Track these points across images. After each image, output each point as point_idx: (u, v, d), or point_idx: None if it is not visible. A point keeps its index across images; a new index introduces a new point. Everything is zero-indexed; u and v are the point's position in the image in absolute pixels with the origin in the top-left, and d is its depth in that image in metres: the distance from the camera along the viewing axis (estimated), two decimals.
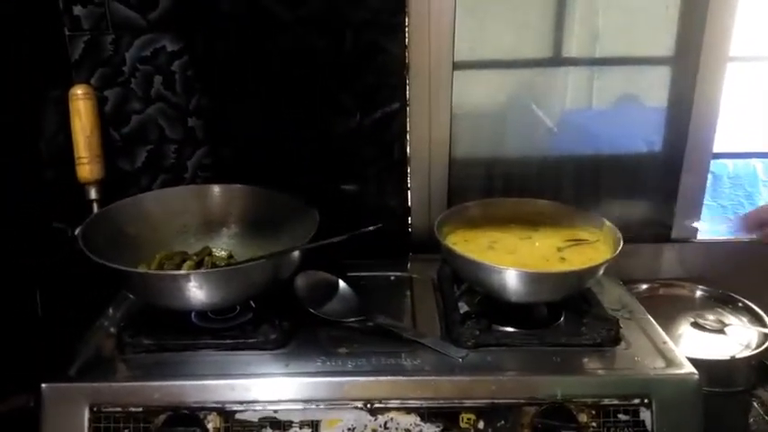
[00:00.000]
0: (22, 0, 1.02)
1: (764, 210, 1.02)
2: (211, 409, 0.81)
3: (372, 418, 0.81)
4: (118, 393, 0.82)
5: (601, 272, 0.92)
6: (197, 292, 0.85)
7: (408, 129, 1.18)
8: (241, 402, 0.81)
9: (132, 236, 1.01)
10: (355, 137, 1.17)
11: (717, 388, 0.99)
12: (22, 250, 0.99)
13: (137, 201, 1.06)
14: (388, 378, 0.83)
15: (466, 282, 0.99)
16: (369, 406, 0.81)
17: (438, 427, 0.81)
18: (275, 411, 0.81)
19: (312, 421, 0.81)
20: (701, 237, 1.28)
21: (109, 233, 0.97)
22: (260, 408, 0.81)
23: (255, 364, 0.86)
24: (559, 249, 1.00)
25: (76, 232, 0.92)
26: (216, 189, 1.09)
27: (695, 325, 1.08)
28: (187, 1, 1.09)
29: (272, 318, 0.91)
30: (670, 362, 0.86)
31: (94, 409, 0.81)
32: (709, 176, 1.29)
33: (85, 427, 0.81)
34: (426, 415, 0.81)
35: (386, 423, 0.81)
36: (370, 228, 0.91)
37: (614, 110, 1.26)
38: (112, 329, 0.94)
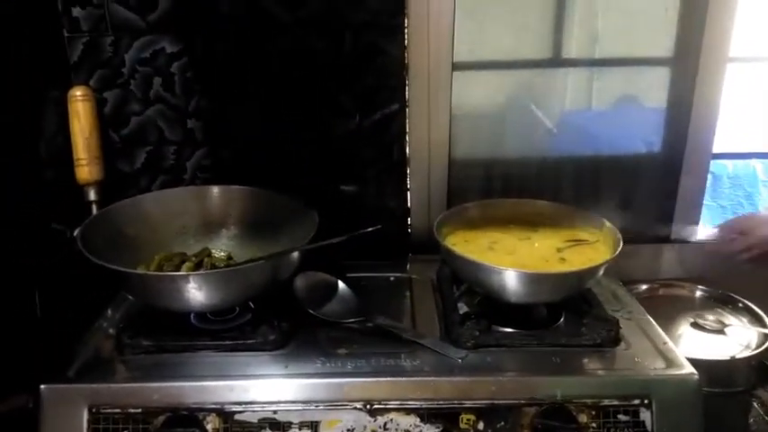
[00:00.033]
0: (21, 1, 1.03)
1: (744, 220, 1.02)
2: (210, 410, 0.81)
3: (372, 419, 0.81)
4: (117, 394, 0.82)
5: (601, 272, 0.92)
6: (196, 293, 0.85)
7: (408, 130, 1.18)
8: (240, 403, 0.81)
9: (131, 237, 1.01)
10: (355, 138, 1.17)
11: (717, 388, 0.98)
12: (22, 251, 0.99)
13: (136, 202, 1.06)
14: (388, 379, 0.83)
15: (465, 282, 0.99)
16: (368, 407, 0.81)
17: (438, 427, 0.81)
18: (274, 412, 0.81)
19: (311, 422, 0.81)
20: (700, 237, 1.28)
21: (108, 234, 0.97)
22: (259, 409, 0.81)
23: (255, 365, 0.86)
24: (559, 250, 1.00)
25: (75, 233, 0.92)
26: (215, 190, 1.09)
27: (695, 325, 1.08)
28: (186, 2, 1.09)
29: (271, 319, 0.91)
30: (670, 362, 0.86)
31: (93, 410, 0.81)
32: (709, 177, 1.29)
33: (84, 428, 0.81)
34: (426, 416, 0.81)
35: (385, 424, 0.81)
36: (370, 229, 0.91)
37: (614, 111, 1.26)
38: (111, 330, 0.94)
